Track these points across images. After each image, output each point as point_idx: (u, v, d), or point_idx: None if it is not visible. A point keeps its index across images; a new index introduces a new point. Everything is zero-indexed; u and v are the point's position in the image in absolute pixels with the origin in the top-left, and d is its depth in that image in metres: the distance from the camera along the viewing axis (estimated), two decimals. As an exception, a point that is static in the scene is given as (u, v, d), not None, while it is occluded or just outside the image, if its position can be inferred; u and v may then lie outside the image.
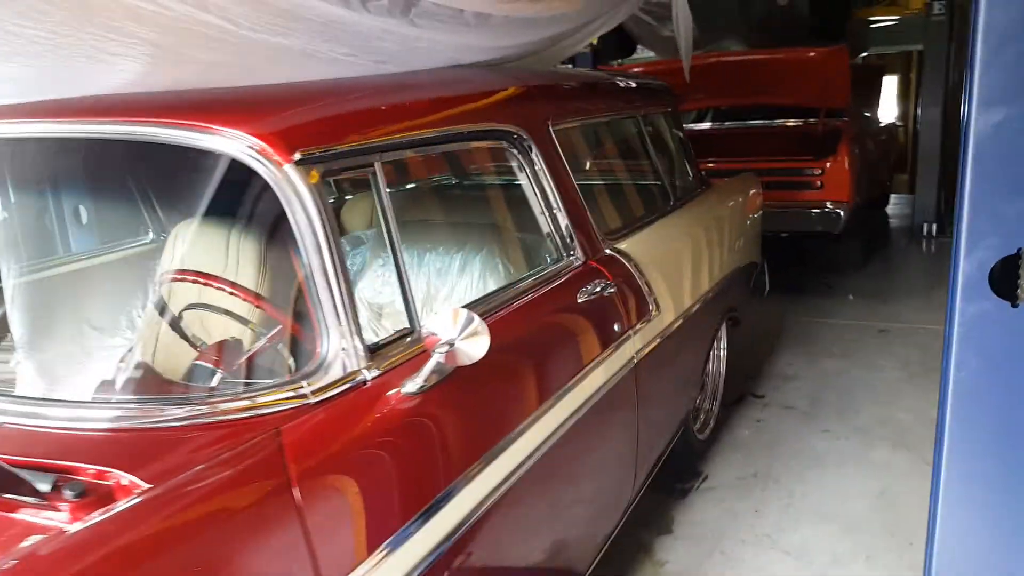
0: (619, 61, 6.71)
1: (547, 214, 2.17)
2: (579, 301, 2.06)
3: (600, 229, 2.37)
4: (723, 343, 3.44)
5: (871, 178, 6.18)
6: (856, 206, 5.26)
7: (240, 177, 1.35)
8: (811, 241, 5.48)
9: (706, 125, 6.29)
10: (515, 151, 2.10)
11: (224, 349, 1.40)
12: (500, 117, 2.05)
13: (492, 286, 2.22)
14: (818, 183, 5.04)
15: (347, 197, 2.61)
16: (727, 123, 6.19)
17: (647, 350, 2.33)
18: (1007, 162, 1.37)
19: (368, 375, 1.30)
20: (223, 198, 1.40)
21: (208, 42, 1.48)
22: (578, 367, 1.96)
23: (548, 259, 2.20)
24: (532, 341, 1.86)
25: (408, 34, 1.95)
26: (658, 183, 3.06)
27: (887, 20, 7.92)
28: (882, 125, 7.55)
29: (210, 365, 1.38)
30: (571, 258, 2.19)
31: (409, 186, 2.82)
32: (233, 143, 1.32)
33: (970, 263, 1.47)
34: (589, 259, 2.24)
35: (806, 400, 3.84)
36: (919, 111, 7.56)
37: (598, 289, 2.14)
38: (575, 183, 2.29)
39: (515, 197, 2.27)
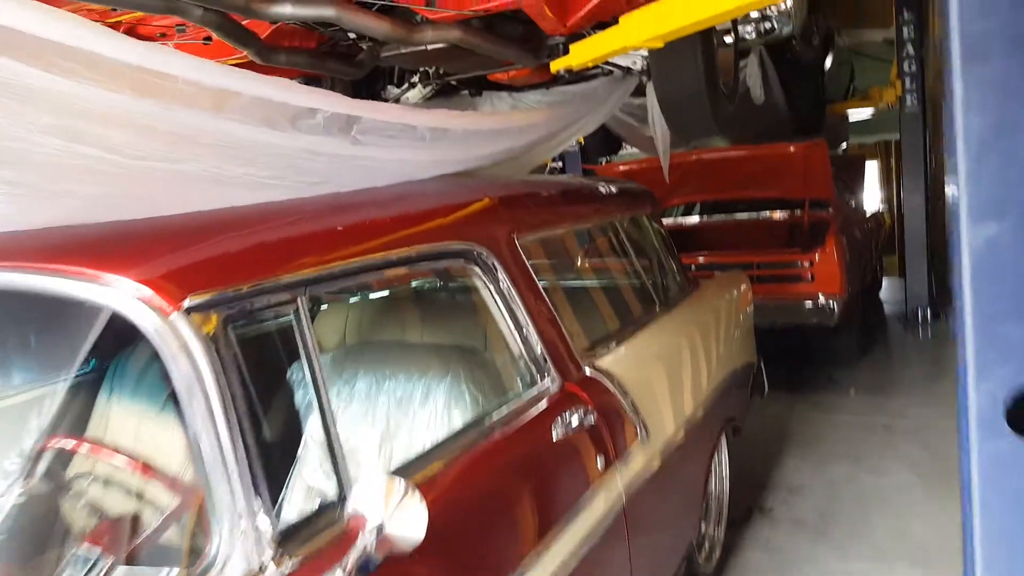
0: (606, 159, 6.73)
1: (516, 335, 1.97)
2: (555, 438, 1.82)
3: (578, 347, 2.16)
4: (724, 457, 3.17)
5: (862, 267, 6.06)
6: (850, 296, 5.11)
7: (120, 329, 1.15)
8: (807, 333, 5.30)
9: (692, 219, 6.22)
10: (477, 269, 1.92)
11: (113, 530, 1.16)
12: (456, 234, 1.88)
13: (458, 417, 1.99)
14: (808, 276, 4.90)
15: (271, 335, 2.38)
16: (712, 216, 6.13)
17: (637, 484, 2.08)
18: (1007, 281, 1.19)
19: (277, 572, 1.05)
20: (101, 353, 1.20)
21: (87, 175, 1.31)
22: (557, 516, 1.71)
23: (520, 384, 1.98)
24: (501, 493, 1.62)
25: (346, 153, 1.81)
26: (641, 289, 2.89)
27: (862, 113, 8.07)
28: (868, 212, 7.53)
29: (97, 550, 1.13)
30: (546, 382, 1.97)
31: (366, 300, 2.64)
32: (109, 290, 1.13)
33: (982, 396, 1.26)
34: (566, 382, 2.02)
35: (816, 513, 3.54)
36: (902, 198, 7.57)
37: (576, 420, 1.91)
38: (547, 299, 2.11)
39: (482, 315, 2.08)
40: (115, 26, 2.83)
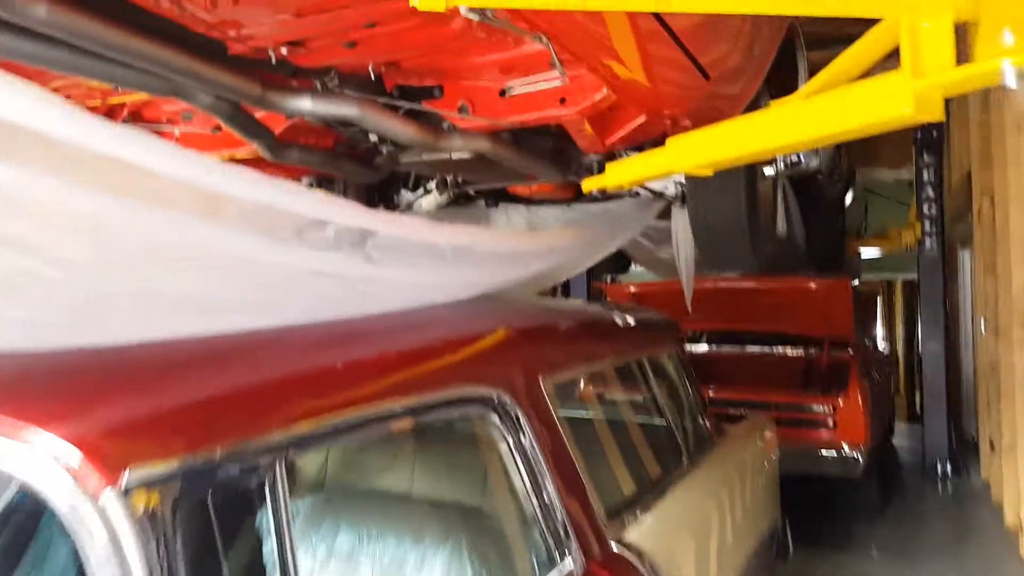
0: (613, 278, 6.51)
1: (535, 500, 1.62)
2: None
3: (601, 514, 1.81)
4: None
5: (882, 413, 5.74)
6: (874, 446, 4.75)
7: (31, 509, 0.82)
8: (827, 483, 4.90)
9: (700, 347, 5.94)
10: (495, 418, 1.60)
11: None
12: (473, 376, 1.57)
13: (458, 598, 1.62)
14: (830, 422, 4.56)
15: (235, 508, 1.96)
16: (722, 346, 5.85)
17: None
18: None
19: None
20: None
21: (28, 293, 1.02)
22: None
23: (535, 561, 1.62)
24: None
25: (357, 273, 1.52)
26: (668, 439, 2.55)
27: (871, 251, 8.00)
28: (883, 353, 7.28)
29: None
30: (566, 562, 1.61)
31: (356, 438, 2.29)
32: (15, 452, 0.82)
33: None
34: (590, 562, 1.66)
35: None
36: (920, 344, 7.35)
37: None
38: (574, 457, 1.78)
39: (494, 470, 1.74)
40: (119, 108, 2.63)
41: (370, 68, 2.08)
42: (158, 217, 1.20)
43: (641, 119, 2.27)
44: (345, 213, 1.52)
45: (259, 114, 2.43)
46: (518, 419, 1.61)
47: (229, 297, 1.36)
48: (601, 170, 2.62)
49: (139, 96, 2.50)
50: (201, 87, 1.87)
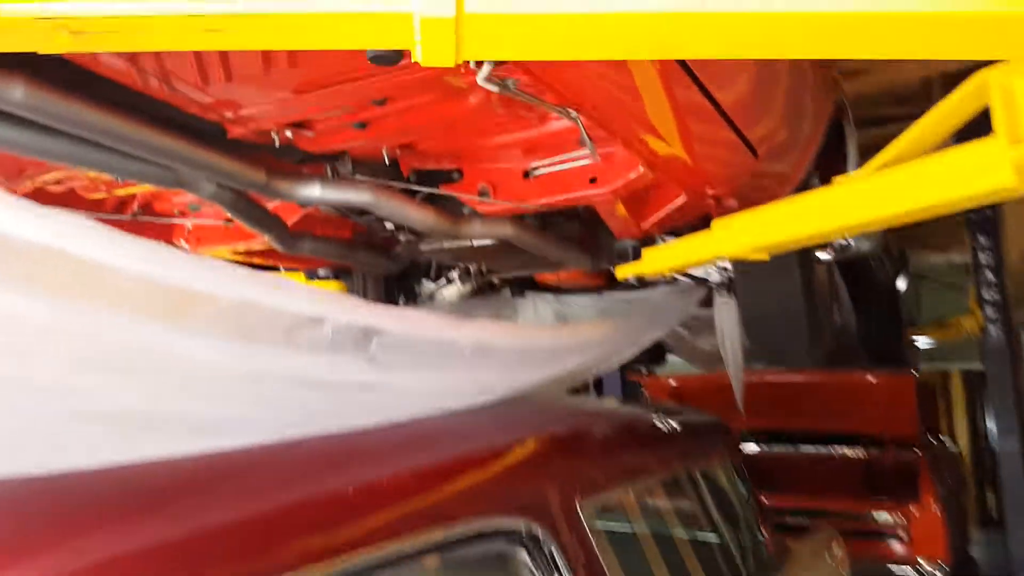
0: (650, 370, 6.17)
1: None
2: None
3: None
4: None
5: (959, 521, 5.18)
6: (954, 561, 4.22)
7: None
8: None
9: (750, 447, 5.50)
10: (525, 557, 1.31)
11: None
12: (495, 506, 1.30)
13: None
14: (903, 534, 4.08)
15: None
16: (774, 446, 5.39)
17: None
18: None
19: None
20: None
21: None
22: None
23: None
24: None
25: (359, 379, 1.29)
26: (726, 562, 2.20)
27: (937, 341, 7.55)
28: (952, 451, 6.70)
29: None
30: None
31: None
32: None
33: None
34: None
35: None
36: (988, 439, 6.78)
37: None
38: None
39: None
40: (129, 200, 2.51)
41: (384, 152, 1.92)
42: (113, 323, 0.99)
43: (681, 199, 2.06)
44: (345, 309, 1.30)
45: (272, 204, 2.29)
46: (552, 558, 1.32)
47: (202, 412, 1.13)
48: (637, 256, 2.40)
49: (147, 187, 2.39)
50: (200, 174, 1.71)
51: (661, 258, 2.24)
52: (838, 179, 1.65)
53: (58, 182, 2.06)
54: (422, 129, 1.72)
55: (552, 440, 1.72)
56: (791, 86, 2.22)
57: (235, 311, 1.11)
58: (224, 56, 1.24)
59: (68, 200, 2.26)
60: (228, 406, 1.17)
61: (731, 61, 1.84)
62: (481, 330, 1.71)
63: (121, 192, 2.33)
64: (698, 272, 2.96)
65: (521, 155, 1.92)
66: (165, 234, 2.71)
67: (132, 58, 1.25)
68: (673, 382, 5.37)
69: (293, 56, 1.24)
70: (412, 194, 2.08)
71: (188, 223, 2.67)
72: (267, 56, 1.23)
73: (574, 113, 1.65)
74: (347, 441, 1.31)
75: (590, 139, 1.75)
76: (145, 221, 2.53)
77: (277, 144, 1.67)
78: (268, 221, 2.16)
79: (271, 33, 0.85)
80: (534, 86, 1.45)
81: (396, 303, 3.64)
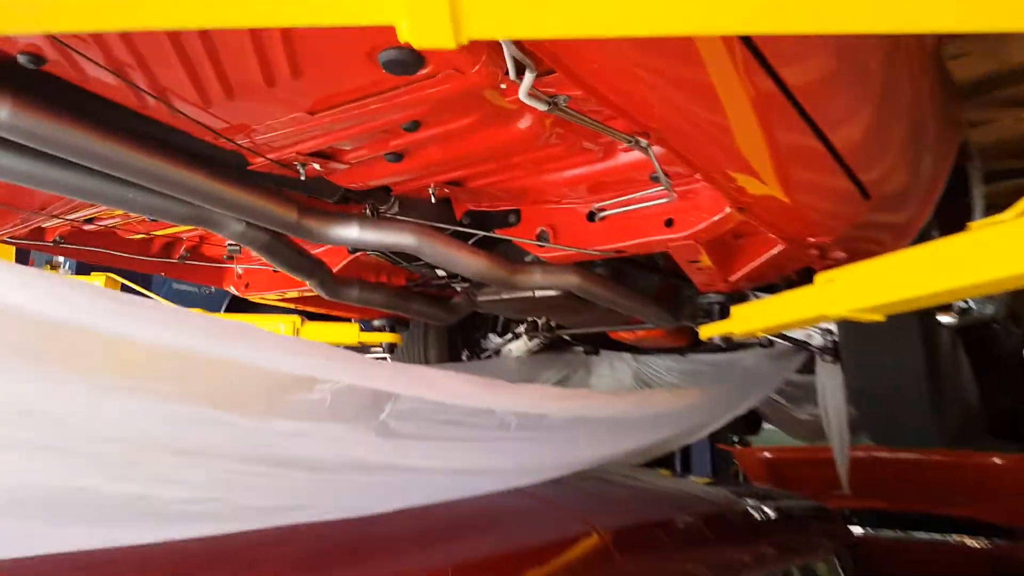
0: (743, 440, 5.68)
1: None
2: None
3: None
4: None
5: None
6: None
7: None
8: None
9: (855, 530, 4.88)
10: None
11: None
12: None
13: None
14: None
15: None
16: (882, 531, 4.77)
17: None
18: None
19: None
20: None
21: None
22: None
23: None
24: None
25: (365, 458, 1.04)
26: None
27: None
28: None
29: None
30: None
31: None
32: None
33: None
34: None
35: None
36: None
37: None
38: None
39: None
40: (176, 244, 2.40)
41: (431, 190, 1.70)
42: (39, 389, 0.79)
43: (777, 248, 1.74)
44: (347, 368, 1.06)
45: (319, 248, 2.12)
46: None
47: (154, 496, 0.90)
48: (725, 313, 2.06)
49: (194, 230, 2.27)
50: (221, 211, 1.54)
51: (753, 317, 1.90)
52: (974, 224, 1.31)
53: (92, 219, 1.95)
54: (467, 161, 1.49)
55: (615, 533, 1.40)
56: (913, 123, 1.89)
57: (195, 369, 0.88)
58: (219, 66, 1.05)
59: (109, 242, 2.17)
60: (196, 488, 0.93)
61: (845, 89, 1.55)
62: (531, 396, 1.43)
63: (162, 233, 2.21)
64: (797, 334, 2.59)
65: (585, 193, 1.66)
66: (215, 279, 2.59)
67: (119, 69, 1.07)
68: (768, 454, 4.86)
69: (294, 63, 1.04)
70: (465, 238, 1.85)
71: (238, 268, 2.54)
72: (265, 63, 1.03)
73: (644, 142, 1.39)
74: (350, 529, 1.05)
75: (665, 174, 1.47)
76: (192, 264, 2.42)
77: (303, 176, 1.48)
78: (309, 265, 1.98)
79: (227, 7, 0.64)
80: (591, 105, 1.20)
81: (459, 359, 3.41)
